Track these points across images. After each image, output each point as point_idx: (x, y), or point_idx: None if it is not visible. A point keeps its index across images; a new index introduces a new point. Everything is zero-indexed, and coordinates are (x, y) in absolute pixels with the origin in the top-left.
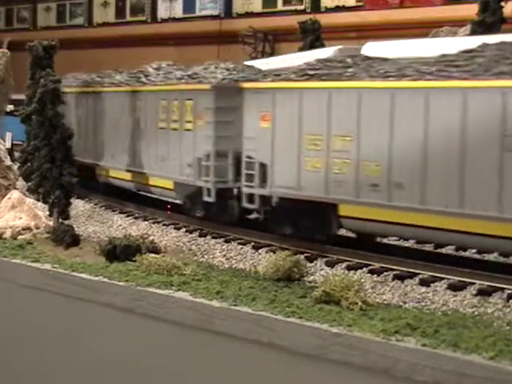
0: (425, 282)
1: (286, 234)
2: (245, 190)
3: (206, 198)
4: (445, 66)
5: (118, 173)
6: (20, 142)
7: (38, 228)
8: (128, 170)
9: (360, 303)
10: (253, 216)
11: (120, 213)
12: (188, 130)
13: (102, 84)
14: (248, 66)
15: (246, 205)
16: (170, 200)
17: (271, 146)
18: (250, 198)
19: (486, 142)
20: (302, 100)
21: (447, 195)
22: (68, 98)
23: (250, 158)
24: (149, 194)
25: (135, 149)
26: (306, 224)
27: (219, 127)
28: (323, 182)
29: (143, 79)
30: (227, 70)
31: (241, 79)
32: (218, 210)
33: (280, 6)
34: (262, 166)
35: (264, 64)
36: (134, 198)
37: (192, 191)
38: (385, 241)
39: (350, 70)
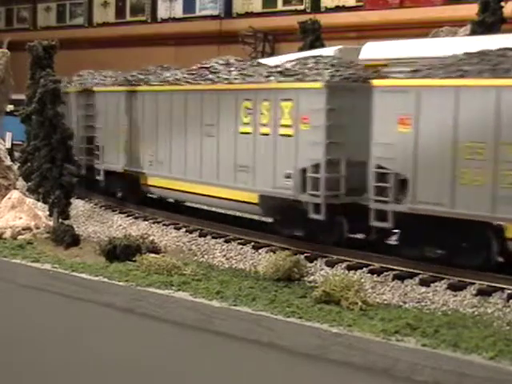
0: (425, 282)
1: (431, 257)
2: (374, 206)
3: (312, 216)
4: None
5: (173, 183)
6: (20, 142)
7: (38, 228)
8: (187, 181)
9: (360, 303)
10: (372, 236)
11: (120, 213)
12: (285, 135)
13: (147, 83)
14: (353, 63)
15: (375, 223)
16: (244, 215)
17: (412, 154)
18: (381, 214)
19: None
20: (459, 100)
21: None
22: (100, 98)
23: (382, 167)
24: (208, 207)
25: (201, 156)
26: (455, 246)
27: (332, 132)
28: (487, 199)
29: (210, 76)
30: (332, 65)
31: (359, 76)
32: (323, 229)
33: (280, 6)
34: (398, 176)
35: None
36: (186, 211)
37: (288, 206)
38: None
39: None
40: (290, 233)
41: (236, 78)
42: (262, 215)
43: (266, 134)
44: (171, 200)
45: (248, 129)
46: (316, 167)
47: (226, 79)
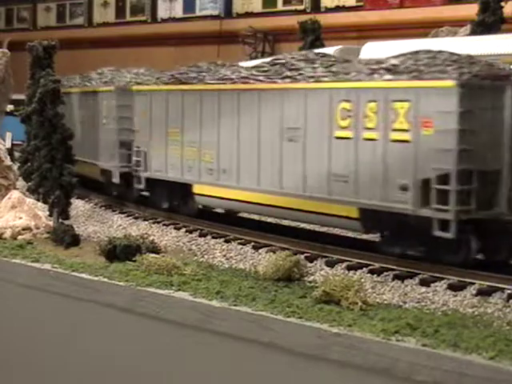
0: (425, 282)
1: None
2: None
3: (439, 233)
4: None
5: (241, 194)
6: (20, 142)
7: (37, 228)
8: (262, 191)
9: (360, 303)
10: None
11: (120, 213)
12: (399, 140)
13: (203, 81)
14: (474, 58)
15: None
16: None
17: None
18: None
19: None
20: None
21: None
22: (141, 98)
23: None
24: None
25: (281, 165)
26: None
27: (465, 138)
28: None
29: (287, 73)
30: (454, 62)
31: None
32: (445, 248)
33: (280, 6)
34: None
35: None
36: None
37: (402, 223)
38: None
39: None
40: (402, 251)
41: (324, 76)
42: (359, 231)
43: (373, 140)
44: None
45: (346, 133)
46: (443, 178)
47: (311, 77)
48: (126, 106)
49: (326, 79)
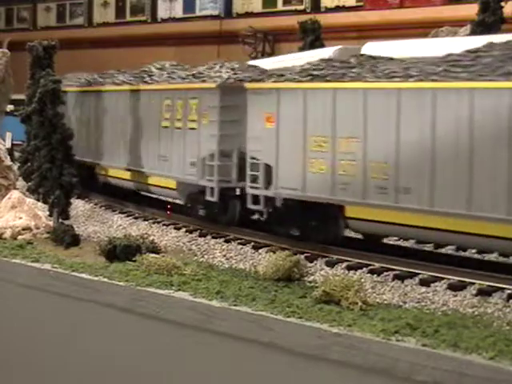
0: (425, 282)
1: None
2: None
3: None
4: None
5: (434, 220)
6: (20, 142)
7: (37, 228)
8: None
9: (360, 303)
10: None
11: (120, 213)
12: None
13: (357, 78)
14: None
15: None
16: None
17: None
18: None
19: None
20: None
21: None
22: (260, 98)
23: None
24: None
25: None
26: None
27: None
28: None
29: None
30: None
31: None
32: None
33: (280, 6)
34: None
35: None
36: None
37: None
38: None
39: None
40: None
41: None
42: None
43: None
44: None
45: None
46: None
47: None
48: (232, 106)
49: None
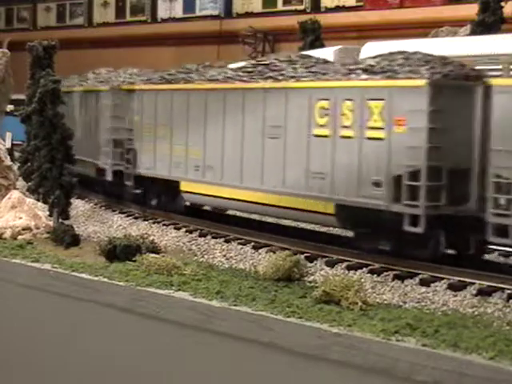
0: (425, 282)
1: None
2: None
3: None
4: None
5: None
6: (20, 142)
7: (37, 228)
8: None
9: (360, 303)
10: None
11: (120, 213)
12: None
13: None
14: None
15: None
16: None
17: None
18: None
19: None
20: None
21: None
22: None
23: None
24: None
25: None
26: None
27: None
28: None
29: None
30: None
31: None
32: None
33: (280, 6)
34: None
35: None
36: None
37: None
38: None
39: None
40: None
41: None
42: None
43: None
44: None
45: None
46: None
47: None
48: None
49: None
